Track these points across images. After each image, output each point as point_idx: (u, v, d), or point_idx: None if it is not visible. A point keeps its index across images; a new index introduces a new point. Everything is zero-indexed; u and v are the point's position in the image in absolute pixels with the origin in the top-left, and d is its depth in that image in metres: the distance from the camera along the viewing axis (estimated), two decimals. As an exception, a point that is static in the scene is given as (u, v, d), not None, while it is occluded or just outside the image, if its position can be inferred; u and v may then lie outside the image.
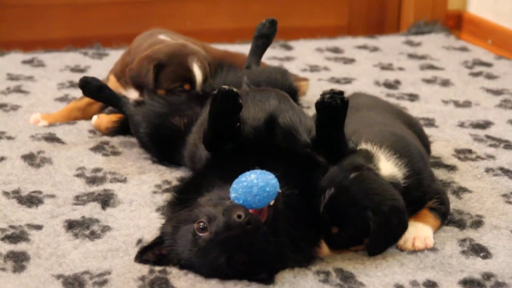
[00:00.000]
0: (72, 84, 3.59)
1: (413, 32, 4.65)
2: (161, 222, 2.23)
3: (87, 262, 2.16)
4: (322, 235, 2.18)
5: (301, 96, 3.22)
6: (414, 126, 2.71)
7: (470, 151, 2.94)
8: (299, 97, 2.96)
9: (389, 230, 2.17)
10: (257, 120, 2.39)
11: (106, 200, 2.51)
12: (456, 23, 4.78)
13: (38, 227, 2.34)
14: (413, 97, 3.57)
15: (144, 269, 2.11)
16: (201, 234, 2.01)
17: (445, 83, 3.79)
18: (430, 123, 3.23)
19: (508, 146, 2.99)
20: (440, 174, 2.74)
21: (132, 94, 3.05)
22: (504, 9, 4.44)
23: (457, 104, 3.49)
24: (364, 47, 4.39)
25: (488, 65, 4.08)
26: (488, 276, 2.14)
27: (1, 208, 2.45)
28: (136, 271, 2.10)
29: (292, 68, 3.81)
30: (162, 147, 2.80)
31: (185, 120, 2.76)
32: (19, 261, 2.16)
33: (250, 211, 1.96)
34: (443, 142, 3.03)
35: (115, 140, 2.98)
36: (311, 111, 3.03)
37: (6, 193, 2.54)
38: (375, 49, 4.36)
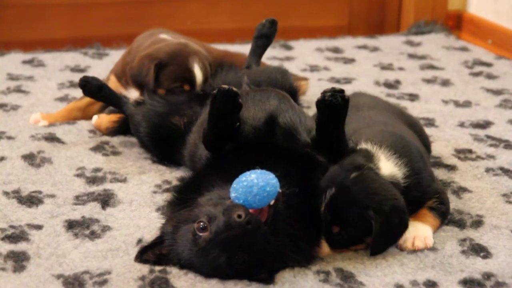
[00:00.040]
0: (72, 84, 3.59)
1: (413, 32, 4.65)
2: (161, 222, 2.23)
3: (87, 262, 2.16)
4: (323, 234, 2.18)
5: (301, 96, 3.22)
6: (414, 126, 2.71)
7: (470, 151, 2.94)
8: (299, 97, 2.96)
9: (390, 230, 2.17)
10: (257, 120, 2.39)
11: (106, 200, 2.51)
12: (456, 23, 4.78)
13: (38, 227, 2.34)
14: (413, 97, 3.57)
15: (144, 268, 2.11)
16: (201, 234, 2.01)
17: (445, 83, 3.79)
18: (430, 123, 3.23)
19: (508, 146, 2.99)
20: (440, 174, 2.74)
21: (133, 94, 3.05)
22: (504, 9, 4.44)
23: (457, 104, 3.49)
24: (364, 47, 4.39)
25: (488, 65, 4.08)
26: (488, 276, 2.14)
27: (1, 208, 2.45)
28: (136, 271, 2.10)
29: (292, 68, 3.81)
30: (162, 146, 2.80)
31: (185, 119, 2.76)
32: (19, 261, 2.16)
33: (250, 210, 1.96)
34: (443, 142, 3.03)
35: (115, 140, 2.98)
36: (311, 111, 3.03)
37: (6, 193, 2.54)
38: (375, 49, 4.36)
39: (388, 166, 2.27)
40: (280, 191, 2.03)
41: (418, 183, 2.30)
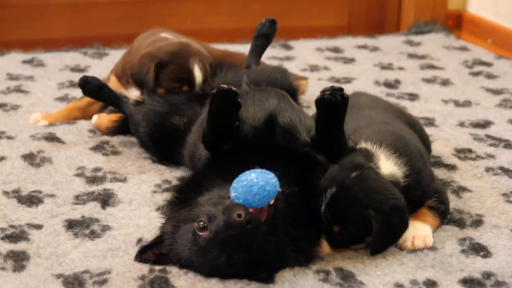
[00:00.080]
0: (72, 84, 3.59)
1: (413, 31, 4.65)
2: (161, 222, 2.23)
3: (87, 261, 2.16)
4: (323, 233, 2.18)
5: (301, 95, 3.22)
6: (414, 125, 2.71)
7: (470, 151, 2.95)
8: (298, 96, 2.96)
9: (390, 229, 2.17)
10: (256, 119, 2.39)
11: (106, 200, 2.51)
12: (456, 23, 4.78)
13: (38, 227, 2.34)
14: (413, 97, 3.57)
15: (144, 268, 2.11)
16: (201, 233, 2.01)
17: (445, 82, 3.79)
18: (430, 122, 3.23)
19: (508, 146, 2.99)
20: (440, 173, 2.74)
21: (133, 94, 3.05)
22: (504, 9, 4.44)
23: (457, 103, 3.49)
24: (364, 46, 4.39)
25: (488, 64, 4.08)
26: (488, 275, 2.14)
27: (1, 207, 2.45)
28: (136, 270, 2.10)
29: (292, 67, 3.81)
30: (162, 146, 2.80)
31: (185, 119, 2.76)
32: (19, 260, 2.16)
33: (250, 210, 1.96)
34: (443, 142, 3.03)
35: (115, 140, 2.98)
36: (311, 111, 3.03)
37: (6, 193, 2.54)
38: (375, 48, 4.36)
39: (388, 166, 2.27)
40: (280, 190, 2.03)
41: (418, 183, 2.30)
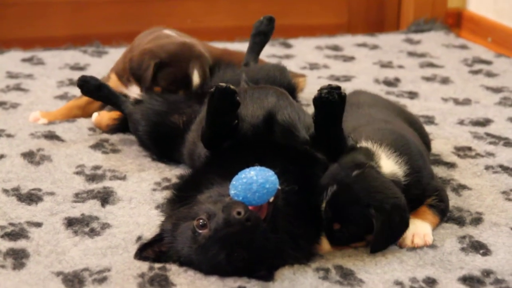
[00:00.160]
0: (71, 82, 3.59)
1: (413, 30, 4.65)
2: (161, 219, 2.23)
3: (87, 259, 2.16)
4: (324, 231, 2.18)
5: (299, 93, 3.21)
6: (414, 123, 2.71)
7: (469, 149, 2.95)
8: (297, 94, 2.96)
9: (391, 228, 2.17)
10: (255, 117, 2.39)
11: (105, 198, 2.51)
12: (456, 21, 4.78)
13: (38, 225, 2.34)
14: (412, 95, 3.57)
15: (143, 266, 2.11)
16: (200, 231, 2.01)
17: (445, 81, 3.79)
18: (430, 120, 3.23)
19: (508, 144, 2.99)
20: (439, 171, 2.74)
21: (134, 92, 3.05)
22: (504, 7, 4.44)
23: (456, 101, 3.49)
24: (363, 45, 4.39)
25: (487, 63, 4.08)
26: (487, 273, 2.14)
27: (1, 205, 2.45)
28: (135, 268, 2.10)
29: (292, 66, 3.81)
30: (161, 145, 2.80)
31: (184, 118, 2.76)
32: (18, 258, 2.16)
33: (250, 208, 1.96)
34: (442, 140, 3.03)
35: (115, 138, 2.98)
36: (311, 109, 3.02)
37: (5, 191, 2.54)
38: (374, 47, 4.36)
39: (389, 165, 2.27)
40: (280, 188, 2.03)
41: (418, 181, 2.30)
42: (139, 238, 2.27)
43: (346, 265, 2.15)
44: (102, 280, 2.06)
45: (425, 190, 2.34)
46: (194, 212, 2.07)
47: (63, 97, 3.44)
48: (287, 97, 2.57)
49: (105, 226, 2.34)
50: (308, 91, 3.45)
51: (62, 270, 2.10)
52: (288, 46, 4.34)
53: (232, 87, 2.25)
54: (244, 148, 2.32)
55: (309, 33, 4.55)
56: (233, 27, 4.55)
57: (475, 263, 2.19)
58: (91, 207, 2.45)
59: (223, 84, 2.25)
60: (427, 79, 3.81)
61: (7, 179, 2.62)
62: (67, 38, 4.29)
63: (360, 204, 2.13)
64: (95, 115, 3.08)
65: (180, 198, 2.25)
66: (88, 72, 3.71)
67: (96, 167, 2.73)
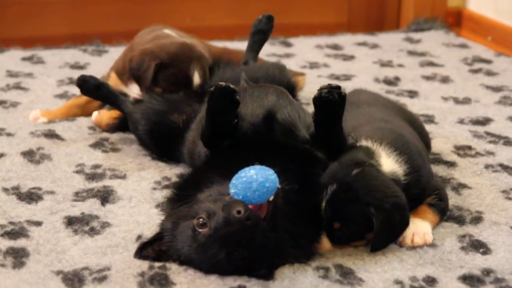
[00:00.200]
0: (71, 81, 3.59)
1: (413, 29, 4.65)
2: (161, 218, 2.22)
3: (87, 258, 2.16)
4: (324, 230, 2.18)
5: (298, 91, 3.21)
6: (414, 122, 2.71)
7: (469, 148, 2.95)
8: (296, 93, 2.95)
9: (391, 227, 2.17)
10: (255, 116, 2.39)
11: (105, 197, 2.51)
12: (456, 20, 4.78)
13: (38, 223, 2.34)
14: (412, 94, 3.57)
15: (143, 265, 2.10)
16: (200, 230, 2.01)
17: (445, 80, 3.79)
18: (430, 119, 3.23)
19: (508, 143, 2.99)
20: (439, 170, 2.74)
21: (133, 92, 3.05)
22: (504, 6, 4.44)
23: (456, 100, 3.49)
24: (363, 44, 4.39)
25: (487, 62, 4.08)
26: (487, 272, 2.14)
27: (1, 204, 2.45)
28: (135, 267, 2.10)
29: (292, 65, 3.81)
30: (161, 144, 2.80)
31: (184, 117, 2.75)
32: (18, 257, 2.15)
33: (250, 206, 1.96)
34: (442, 139, 3.03)
35: (115, 137, 2.98)
36: (310, 108, 3.03)
37: (5, 190, 2.54)
38: (374, 46, 4.36)
39: (389, 163, 2.27)
40: (280, 187, 2.03)
41: (417, 181, 2.30)
42: (139, 237, 2.26)
43: (346, 264, 2.15)
44: (102, 279, 2.06)
45: (424, 189, 2.33)
46: (194, 211, 2.07)
47: (63, 96, 3.44)
48: (287, 96, 2.57)
49: (105, 225, 2.34)
50: (308, 90, 3.45)
51: (62, 269, 2.10)
52: (288, 45, 4.34)
53: (232, 86, 2.25)
54: (244, 147, 2.32)
55: (309, 32, 4.56)
56: (232, 26, 4.55)
57: (475, 262, 2.19)
58: (91, 206, 2.45)
59: (223, 83, 2.25)
60: (427, 78, 3.81)
61: (7, 178, 2.62)
62: (67, 36, 4.29)
63: (360, 203, 2.13)
64: (95, 114, 3.08)
65: (180, 197, 2.25)
66: (88, 71, 3.71)
67: (96, 166, 2.73)
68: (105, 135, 2.99)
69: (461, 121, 3.23)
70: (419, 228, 2.26)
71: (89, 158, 2.79)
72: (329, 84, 2.17)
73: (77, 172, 2.69)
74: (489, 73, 3.88)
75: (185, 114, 2.76)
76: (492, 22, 4.51)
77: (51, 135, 2.96)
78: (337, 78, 3.78)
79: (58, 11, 4.39)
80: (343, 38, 4.48)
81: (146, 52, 2.97)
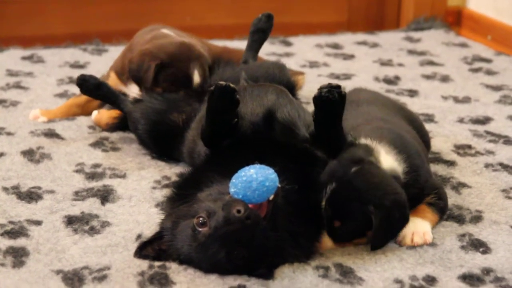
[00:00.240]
0: (71, 80, 3.59)
1: (413, 28, 4.65)
2: (161, 218, 2.22)
3: (87, 257, 2.16)
4: (325, 228, 2.18)
5: (298, 90, 3.21)
6: (414, 121, 2.71)
7: (469, 147, 2.95)
8: (296, 92, 2.95)
9: (390, 225, 2.17)
10: (255, 115, 2.39)
11: (105, 196, 2.51)
12: (456, 19, 4.78)
13: (38, 223, 2.34)
14: (412, 93, 3.57)
15: (143, 264, 2.10)
16: (200, 229, 2.01)
17: (445, 79, 3.78)
18: (430, 118, 3.23)
19: (508, 142, 2.99)
20: (439, 169, 2.74)
21: (133, 91, 3.05)
22: (504, 5, 4.44)
23: (456, 100, 3.49)
24: (363, 43, 4.39)
25: (487, 61, 4.08)
26: (487, 271, 2.14)
27: (1, 203, 2.45)
28: (135, 266, 2.10)
29: (292, 64, 3.81)
30: (161, 144, 2.80)
31: (184, 116, 2.75)
32: (18, 256, 2.15)
33: (250, 206, 1.96)
34: (442, 138, 3.03)
35: (115, 136, 2.98)
36: (310, 107, 3.03)
37: (5, 189, 2.54)
38: (374, 45, 4.36)
39: (389, 160, 2.26)
40: (279, 186, 2.02)
41: (416, 180, 2.30)
42: (139, 236, 2.26)
43: (346, 263, 2.15)
44: (102, 278, 2.06)
45: (423, 189, 2.33)
46: (194, 210, 2.07)
47: (63, 95, 3.44)
48: (286, 94, 2.56)
49: (105, 224, 2.34)
50: (308, 89, 3.44)
51: (62, 269, 2.10)
52: (288, 44, 4.33)
53: (231, 85, 2.25)
54: (244, 146, 2.32)
55: (309, 31, 4.55)
56: (232, 25, 4.55)
57: (475, 261, 2.19)
58: (91, 205, 2.45)
59: (223, 83, 2.25)
60: (427, 77, 3.81)
61: (7, 177, 2.62)
62: (67, 36, 4.29)
63: (359, 201, 2.13)
64: (94, 113, 3.08)
65: (180, 196, 2.25)
66: (88, 70, 3.71)
67: (96, 165, 2.73)
68: (105, 134, 2.99)
69: (461, 120, 3.23)
70: (419, 227, 2.26)
71: (89, 157, 2.79)
72: (329, 84, 2.17)
73: (77, 171, 2.69)
74: (489, 72, 3.88)
75: (185, 113, 2.76)
76: (492, 21, 4.50)
77: (51, 134, 2.96)
78: (337, 77, 3.78)
79: (58, 10, 4.39)
80: (343, 37, 4.48)
81: (145, 53, 2.97)
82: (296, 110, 2.45)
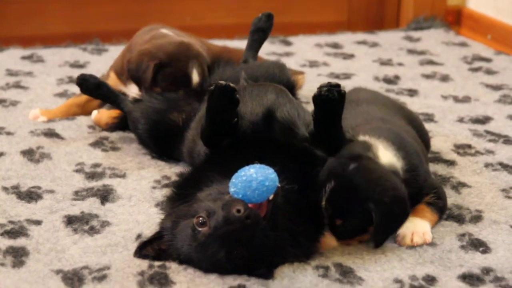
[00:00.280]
0: (71, 80, 3.59)
1: (413, 27, 4.65)
2: (161, 217, 2.22)
3: (86, 257, 2.16)
4: (328, 227, 2.18)
5: (298, 90, 3.21)
6: (414, 121, 2.71)
7: (469, 146, 2.95)
8: (296, 91, 2.95)
9: (391, 221, 2.16)
10: (255, 114, 2.39)
11: (105, 195, 2.51)
12: (456, 19, 4.78)
13: (38, 223, 2.34)
14: (412, 93, 3.57)
15: (143, 264, 2.10)
16: (200, 229, 2.01)
17: (445, 78, 3.78)
18: (430, 118, 3.23)
19: (507, 141, 2.99)
20: (439, 169, 2.74)
21: (132, 91, 3.05)
22: (503, 5, 4.44)
23: (456, 99, 3.49)
24: (363, 42, 4.39)
25: (487, 60, 4.08)
26: (487, 270, 2.14)
27: (1, 203, 2.45)
28: (135, 266, 2.10)
29: (292, 63, 3.81)
30: (160, 143, 2.80)
31: (184, 116, 2.75)
32: (18, 256, 2.15)
33: (250, 205, 1.96)
34: (442, 137, 3.03)
35: (114, 136, 2.98)
36: (310, 107, 3.02)
37: (5, 189, 2.54)
38: (374, 44, 4.36)
39: (387, 156, 2.26)
40: (279, 185, 2.02)
41: (414, 180, 2.29)
42: (138, 236, 2.26)
43: (346, 263, 2.15)
44: (102, 278, 2.06)
45: (422, 188, 2.32)
46: (193, 210, 2.07)
47: (62, 94, 3.44)
48: (286, 94, 2.56)
49: (105, 224, 2.34)
50: (308, 88, 3.44)
51: (61, 268, 2.10)
52: (287, 43, 4.33)
53: (231, 85, 2.25)
54: (244, 146, 2.32)
55: (309, 31, 4.55)
56: (232, 24, 4.55)
57: (475, 261, 2.19)
58: (90, 205, 2.45)
59: (223, 82, 2.25)
60: (427, 76, 3.81)
61: (6, 177, 2.62)
62: (67, 35, 4.28)
63: (359, 198, 2.12)
64: (94, 113, 3.08)
65: (180, 196, 2.24)
66: (88, 70, 3.71)
67: (96, 165, 2.73)
68: (105, 134, 2.99)
69: (461, 120, 3.23)
70: (418, 227, 2.26)
71: (89, 157, 2.79)
72: (328, 82, 2.17)
73: (76, 171, 2.69)
74: (489, 72, 3.88)
75: (185, 113, 2.76)
76: (491, 21, 4.50)
77: (50, 134, 2.96)
78: (337, 76, 3.78)
79: (57, 10, 4.39)
80: (342, 37, 4.48)
81: (144, 53, 2.97)
82: (295, 109, 2.45)
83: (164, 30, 3.18)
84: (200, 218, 2.01)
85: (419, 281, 2.09)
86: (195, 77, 2.94)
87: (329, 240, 2.20)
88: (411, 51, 4.23)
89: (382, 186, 2.13)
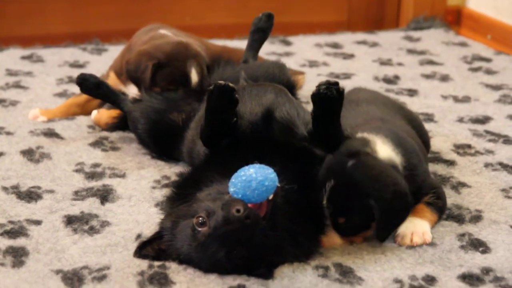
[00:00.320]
0: (71, 80, 3.59)
1: (413, 27, 4.65)
2: (160, 217, 2.22)
3: (86, 257, 2.16)
4: (331, 225, 2.18)
5: (298, 90, 3.21)
6: (413, 121, 2.71)
7: (469, 146, 2.95)
8: (296, 91, 2.95)
9: (393, 216, 2.16)
10: (254, 114, 2.39)
11: (105, 195, 2.51)
12: (456, 19, 4.78)
13: (37, 222, 2.34)
14: (412, 92, 3.57)
15: (143, 264, 2.10)
16: (200, 229, 2.01)
17: (445, 78, 3.78)
18: (429, 118, 3.23)
19: (507, 141, 2.99)
20: (439, 169, 2.74)
21: (132, 91, 3.05)
22: (503, 5, 4.44)
23: (456, 99, 3.49)
24: (363, 42, 4.39)
25: (487, 60, 4.08)
26: (487, 270, 2.14)
27: (0, 203, 2.45)
28: (135, 266, 2.10)
29: (291, 63, 3.81)
30: (160, 143, 2.80)
31: (183, 115, 2.75)
32: (18, 256, 2.15)
33: (249, 205, 1.96)
34: (442, 137, 3.03)
35: (114, 136, 2.98)
36: (310, 107, 3.02)
37: (5, 189, 2.54)
38: (374, 44, 4.36)
39: (386, 150, 2.25)
40: (279, 185, 2.02)
41: (413, 179, 2.29)
42: (138, 236, 2.26)
43: (346, 263, 2.15)
44: (102, 278, 2.06)
45: (421, 188, 2.32)
46: (193, 210, 2.07)
47: (62, 94, 3.44)
48: (285, 93, 2.56)
49: (105, 224, 2.34)
50: (308, 88, 3.44)
51: (61, 268, 2.10)
52: (287, 43, 4.33)
53: (230, 84, 2.25)
54: (243, 146, 2.32)
55: (308, 31, 4.55)
56: (232, 24, 4.55)
57: (475, 261, 2.19)
58: (90, 205, 2.45)
59: (222, 82, 2.25)
60: (427, 76, 3.81)
61: (6, 176, 2.62)
62: (67, 35, 4.29)
63: (359, 195, 2.12)
64: (94, 113, 3.08)
65: (180, 196, 2.25)
66: (87, 70, 3.71)
67: (96, 165, 2.73)
68: (105, 134, 2.99)
69: (461, 120, 3.23)
70: (418, 227, 2.26)
71: (89, 157, 2.79)
72: (327, 81, 2.17)
73: (76, 171, 2.69)
74: (489, 72, 3.88)
75: (185, 112, 2.76)
76: (491, 21, 4.50)
77: (50, 134, 2.96)
78: (337, 76, 3.78)
79: (57, 9, 4.39)
80: (342, 37, 4.48)
81: (142, 53, 2.98)
82: (295, 109, 2.45)
83: (163, 31, 3.18)
84: (200, 218, 2.01)
85: (419, 281, 2.09)
86: (194, 76, 2.94)
87: (332, 238, 2.20)
88: (411, 51, 4.23)
89: (383, 182, 2.12)
